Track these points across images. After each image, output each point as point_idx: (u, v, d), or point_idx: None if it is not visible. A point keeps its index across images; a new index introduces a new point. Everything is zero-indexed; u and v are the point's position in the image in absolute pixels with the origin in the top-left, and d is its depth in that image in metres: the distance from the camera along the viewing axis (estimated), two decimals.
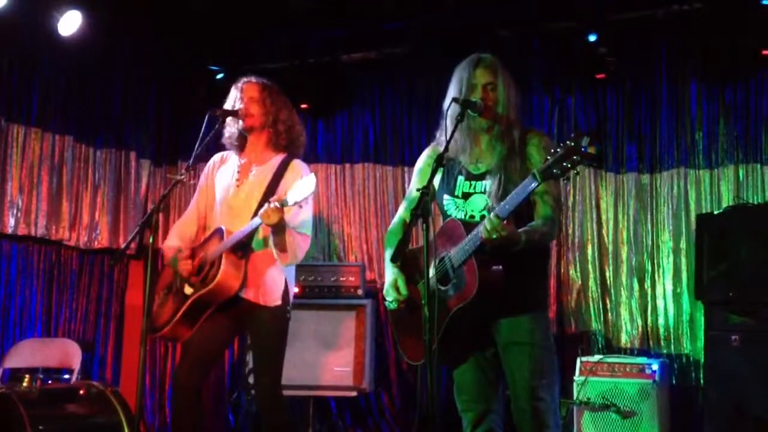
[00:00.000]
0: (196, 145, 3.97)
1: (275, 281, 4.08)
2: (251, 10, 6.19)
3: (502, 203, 3.10)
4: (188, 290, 4.05)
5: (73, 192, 6.40)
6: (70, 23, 5.77)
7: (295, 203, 3.74)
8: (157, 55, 6.82)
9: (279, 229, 3.87)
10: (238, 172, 4.22)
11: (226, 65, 6.78)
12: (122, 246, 6.38)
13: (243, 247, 4.01)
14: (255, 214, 3.93)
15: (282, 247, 3.93)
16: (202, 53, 6.77)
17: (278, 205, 3.73)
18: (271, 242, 3.94)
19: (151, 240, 3.63)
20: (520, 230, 3.17)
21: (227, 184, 4.22)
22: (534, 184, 3.01)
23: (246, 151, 4.26)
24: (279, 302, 4.08)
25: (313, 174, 3.74)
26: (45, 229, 6.19)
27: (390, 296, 3.43)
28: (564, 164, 2.91)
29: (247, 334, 4.31)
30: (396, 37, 6.51)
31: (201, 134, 3.99)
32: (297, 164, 4.19)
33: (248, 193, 4.13)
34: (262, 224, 3.83)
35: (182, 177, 3.91)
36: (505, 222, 3.06)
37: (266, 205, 3.77)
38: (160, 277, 4.31)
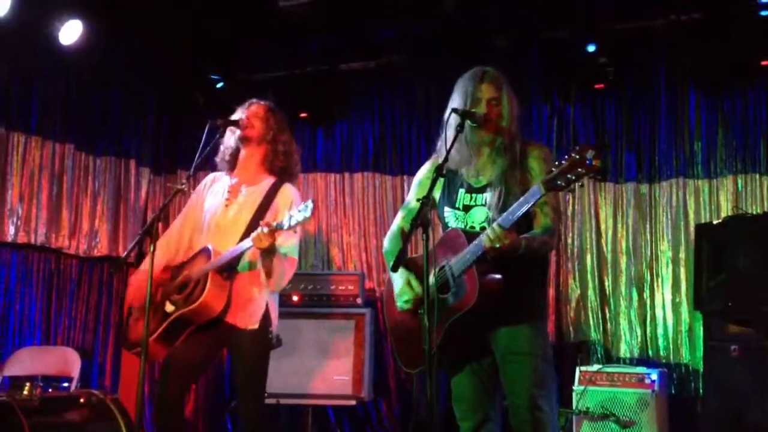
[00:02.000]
0: (197, 155, 3.96)
1: (257, 304, 3.99)
2: (250, 20, 6.21)
3: (505, 213, 3.11)
4: (169, 308, 3.95)
5: (73, 200, 6.41)
6: (70, 32, 5.79)
7: (290, 228, 3.67)
8: (157, 63, 6.84)
9: (269, 253, 3.81)
10: (228, 191, 4.14)
11: (226, 74, 6.80)
12: (122, 254, 6.40)
13: (229, 269, 3.92)
14: (244, 235, 3.88)
15: (269, 272, 3.88)
16: (202, 62, 6.79)
17: (271, 229, 3.67)
18: (259, 265, 3.90)
19: (151, 248, 3.62)
20: (520, 237, 3.18)
21: (216, 203, 4.14)
22: (538, 195, 3.02)
23: (238, 170, 4.19)
24: (256, 326, 3.97)
25: (311, 200, 3.63)
26: (45, 237, 6.20)
27: (406, 296, 3.42)
28: (568, 176, 2.91)
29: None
30: (395, 45, 6.53)
31: (201, 144, 3.99)
32: (288, 189, 4.12)
33: (237, 213, 4.06)
34: (252, 248, 3.77)
35: (183, 186, 3.89)
36: (507, 231, 3.07)
37: (259, 229, 3.70)
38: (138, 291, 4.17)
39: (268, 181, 4.14)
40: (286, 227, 3.65)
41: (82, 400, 4.61)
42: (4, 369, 5.52)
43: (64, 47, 5.84)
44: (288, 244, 3.95)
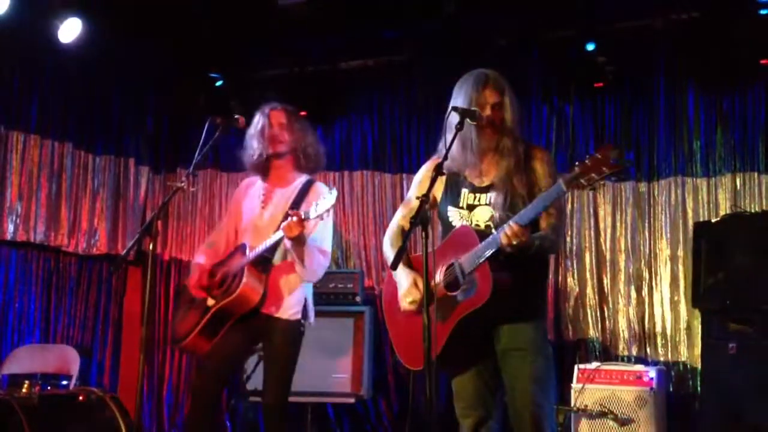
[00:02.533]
0: (197, 153, 3.98)
1: (295, 297, 4.15)
2: (250, 18, 6.20)
3: (523, 211, 3.13)
4: (210, 302, 4.13)
5: (72, 198, 6.42)
6: (70, 30, 5.79)
7: (317, 216, 3.80)
8: (157, 62, 6.84)
9: (299, 242, 3.93)
10: (263, 194, 4.31)
11: (225, 72, 6.80)
12: (121, 252, 6.41)
13: (264, 262, 4.08)
14: (277, 229, 4.00)
15: (301, 262, 4.00)
16: (201, 60, 6.79)
17: (299, 218, 3.80)
18: (294, 256, 4.00)
19: (151, 247, 3.64)
20: (533, 235, 3.19)
21: (253, 206, 4.31)
22: (560, 192, 3.04)
23: (270, 177, 4.34)
24: (298, 316, 4.14)
25: (335, 188, 3.80)
26: (44, 235, 6.21)
27: (411, 297, 3.42)
28: (592, 175, 2.93)
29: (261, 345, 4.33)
30: (395, 45, 6.53)
31: (201, 142, 4.00)
32: (319, 186, 4.28)
33: (273, 214, 4.21)
34: (284, 237, 3.88)
35: (182, 184, 3.93)
36: (524, 229, 3.09)
37: (288, 218, 3.84)
38: (184, 291, 4.39)
39: (300, 179, 4.30)
40: (312, 216, 3.80)
41: (81, 398, 4.62)
42: (3, 367, 5.52)
43: (64, 45, 5.84)
44: (319, 234, 4.09)
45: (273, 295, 4.10)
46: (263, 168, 4.33)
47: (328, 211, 3.79)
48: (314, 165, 4.37)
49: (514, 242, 3.06)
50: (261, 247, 4.04)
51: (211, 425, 4.15)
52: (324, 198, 3.78)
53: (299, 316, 4.15)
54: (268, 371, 4.18)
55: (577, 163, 2.98)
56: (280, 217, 4.11)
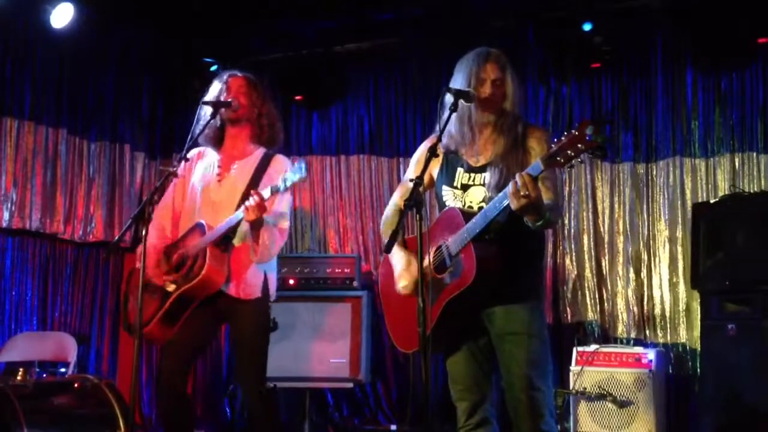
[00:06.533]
0: (188, 137, 3.93)
1: (254, 274, 4.00)
2: (245, 2, 6.17)
3: (531, 166, 3.02)
4: (170, 287, 3.94)
5: (68, 185, 6.38)
6: (62, 16, 5.76)
7: (286, 189, 3.69)
8: (151, 47, 6.80)
9: (257, 224, 3.80)
10: (219, 167, 4.11)
11: (220, 57, 6.76)
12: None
13: (225, 241, 3.93)
14: (238, 206, 3.86)
15: (256, 242, 3.86)
16: (196, 45, 6.75)
17: (261, 198, 3.67)
18: (250, 237, 3.88)
19: (144, 232, 3.59)
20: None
21: (207, 180, 4.11)
22: (538, 171, 2.97)
23: (225, 146, 4.15)
24: (259, 294, 4.00)
25: (303, 160, 3.67)
26: (39, 222, 6.18)
27: (404, 281, 3.40)
28: (568, 152, 2.87)
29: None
30: (391, 27, 6.49)
31: (193, 126, 3.96)
32: (280, 158, 4.12)
33: (231, 187, 4.04)
34: (243, 219, 3.77)
35: (175, 169, 3.82)
36: (534, 182, 2.95)
37: (250, 199, 3.70)
38: (133, 275, 4.16)
39: (259, 152, 4.13)
40: (282, 189, 3.67)
41: (76, 385, 4.59)
42: (0, 355, 5.51)
43: (57, 31, 5.80)
44: (278, 210, 3.94)
45: (235, 273, 3.95)
46: (217, 138, 4.14)
47: (296, 183, 3.65)
48: (272, 138, 4.16)
49: (523, 193, 2.94)
50: (221, 227, 3.86)
51: (181, 410, 4.03)
52: (292, 171, 3.63)
53: (260, 294, 4.00)
54: (238, 357, 4.07)
55: (554, 140, 2.94)
56: (239, 190, 3.97)
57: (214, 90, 4.16)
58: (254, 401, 4.05)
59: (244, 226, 3.89)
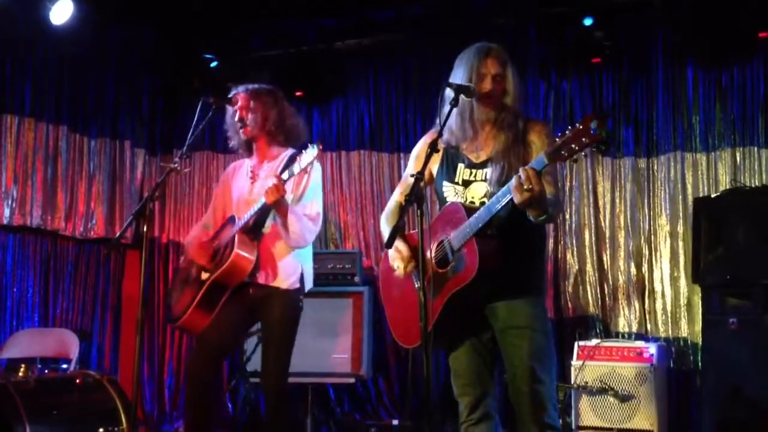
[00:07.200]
0: (190, 134, 3.95)
1: (288, 264, 4.12)
2: (245, 2, 6.16)
3: (534, 160, 3.02)
4: (204, 276, 4.11)
5: (68, 182, 6.40)
6: (62, 12, 5.75)
7: (301, 170, 3.80)
8: (151, 43, 6.80)
9: (280, 207, 3.91)
10: (251, 171, 4.31)
11: (220, 54, 6.76)
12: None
13: (255, 229, 4.09)
14: None
15: (285, 227, 3.97)
16: (196, 42, 6.74)
17: (279, 180, 3.80)
18: (278, 222, 3.99)
19: (145, 229, 3.61)
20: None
21: (242, 185, 4.31)
22: (541, 165, 2.96)
23: (255, 154, 4.35)
24: (297, 285, 4.13)
25: (316, 145, 3.77)
26: (40, 219, 6.19)
27: (396, 262, 3.41)
28: (572, 146, 2.87)
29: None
30: (391, 24, 6.48)
31: (194, 123, 3.98)
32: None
33: (261, 187, 4.16)
34: (266, 203, 3.88)
35: (176, 165, 3.89)
36: (538, 176, 2.94)
37: (269, 181, 3.85)
38: (179, 272, 4.41)
39: (286, 153, 4.28)
40: (297, 171, 3.80)
41: (77, 381, 4.60)
42: (2, 351, 5.53)
43: (57, 27, 5.80)
44: (305, 197, 4.11)
45: (266, 262, 4.08)
46: (247, 149, 4.37)
47: (311, 164, 3.77)
48: (293, 138, 4.34)
49: (527, 187, 2.93)
50: (247, 215, 4.03)
51: (207, 403, 4.10)
52: (305, 153, 3.76)
53: (297, 285, 4.13)
54: (266, 349, 4.15)
55: (559, 134, 2.93)
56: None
57: (228, 113, 4.35)
58: (272, 398, 4.11)
59: (272, 217, 4.05)
